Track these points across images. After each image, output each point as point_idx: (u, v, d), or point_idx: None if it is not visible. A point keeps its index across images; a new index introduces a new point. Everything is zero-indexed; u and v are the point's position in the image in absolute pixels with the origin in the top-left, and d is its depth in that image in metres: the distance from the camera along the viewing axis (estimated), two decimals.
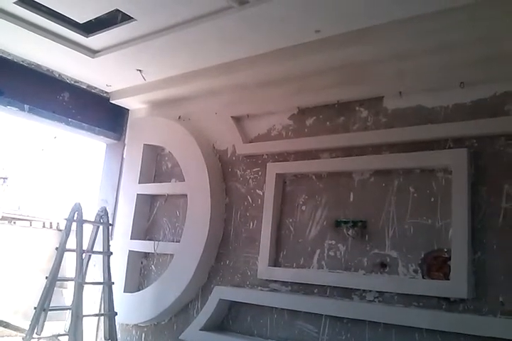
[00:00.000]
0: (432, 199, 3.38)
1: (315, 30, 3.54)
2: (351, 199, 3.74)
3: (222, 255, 4.35)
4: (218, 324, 4.19)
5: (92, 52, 4.33)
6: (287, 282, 3.88)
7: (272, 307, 3.88)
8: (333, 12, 3.31)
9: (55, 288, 4.29)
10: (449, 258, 3.19)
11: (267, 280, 3.99)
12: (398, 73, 3.60)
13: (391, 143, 3.59)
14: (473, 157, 3.23)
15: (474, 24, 3.12)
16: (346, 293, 3.57)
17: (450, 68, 3.39)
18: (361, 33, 3.48)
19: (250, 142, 4.42)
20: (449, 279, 3.16)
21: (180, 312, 4.45)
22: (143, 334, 4.68)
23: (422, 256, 3.33)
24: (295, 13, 3.35)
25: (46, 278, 4.19)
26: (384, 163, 3.60)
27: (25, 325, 4.33)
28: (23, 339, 4.02)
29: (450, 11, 3.10)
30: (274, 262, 4.00)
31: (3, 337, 5.30)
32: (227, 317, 4.20)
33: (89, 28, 3.94)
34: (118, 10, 3.57)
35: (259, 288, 4.02)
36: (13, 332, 5.02)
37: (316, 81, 3.99)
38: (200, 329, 4.11)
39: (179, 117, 4.95)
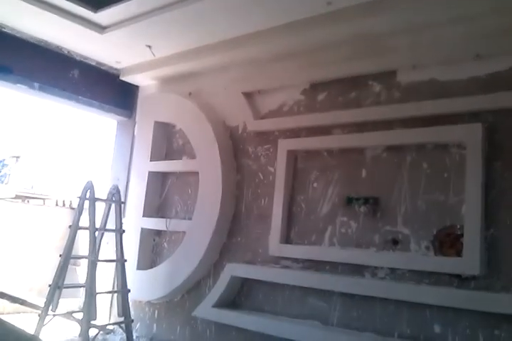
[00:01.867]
0: (445, 175, 3.31)
1: (326, 2, 3.44)
2: (363, 175, 3.69)
3: (233, 232, 4.34)
4: (230, 301, 4.21)
5: (101, 28, 4.28)
6: (299, 259, 3.87)
7: (284, 284, 3.88)
8: None
9: (69, 266, 4.33)
10: (462, 235, 3.14)
11: (278, 257, 3.98)
12: (411, 46, 3.51)
13: (404, 118, 3.51)
14: (488, 132, 3.15)
15: None
16: (358, 269, 3.55)
17: (465, 40, 3.30)
18: (373, 4, 3.39)
19: (261, 118, 4.37)
20: (461, 256, 3.12)
21: (193, 289, 4.48)
22: (156, 311, 4.72)
23: (435, 232, 3.29)
24: None
25: (60, 256, 4.24)
26: (396, 139, 3.53)
27: (41, 302, 4.39)
28: (38, 315, 4.09)
29: None
30: (286, 239, 3.99)
31: (19, 313, 5.40)
32: (239, 294, 4.21)
33: (98, 3, 3.90)
34: None
35: (271, 265, 4.02)
36: (29, 309, 5.09)
37: (327, 55, 3.90)
38: (213, 306, 4.14)
39: (190, 93, 4.90)
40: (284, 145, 4.11)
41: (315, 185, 3.95)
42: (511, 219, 3.01)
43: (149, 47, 4.53)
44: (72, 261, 4.45)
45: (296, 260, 3.89)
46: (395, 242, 3.44)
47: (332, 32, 3.68)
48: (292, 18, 3.74)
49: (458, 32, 3.32)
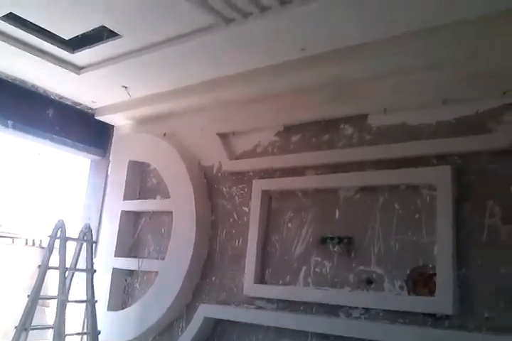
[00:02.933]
0: (417, 216, 3.40)
1: (301, 48, 3.58)
2: (337, 215, 3.75)
3: (207, 272, 4.31)
4: None
5: (78, 69, 4.31)
6: (273, 299, 3.85)
7: (258, 325, 3.85)
8: (317, 31, 3.35)
9: (37, 307, 4.20)
10: (435, 274, 3.20)
11: (252, 297, 3.96)
12: (383, 91, 3.65)
13: (376, 160, 3.61)
14: (457, 174, 3.27)
15: (459, 43, 3.20)
16: (332, 309, 3.55)
17: (433, 86, 3.45)
18: (346, 51, 3.52)
19: (236, 159, 4.43)
20: (434, 295, 3.16)
21: (165, 331, 4.39)
22: None
23: (408, 272, 3.34)
24: (280, 32, 3.39)
25: (28, 296, 4.11)
26: (369, 180, 3.62)
27: None
28: None
29: (435, 30, 3.16)
30: (260, 279, 3.98)
31: None
32: (212, 335, 4.14)
33: (75, 44, 3.93)
34: (104, 26, 3.58)
35: (245, 305, 3.99)
36: None
37: (301, 98, 4.02)
38: None
39: (165, 134, 4.94)
40: (259, 186, 4.15)
41: (289, 225, 3.99)
42: (482, 258, 3.09)
43: (126, 87, 4.58)
44: (40, 301, 4.32)
45: (270, 300, 3.87)
46: (369, 282, 3.48)
47: (306, 76, 3.80)
48: (267, 62, 3.85)
49: (426, 78, 3.47)
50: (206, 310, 4.11)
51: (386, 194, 3.56)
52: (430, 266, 3.26)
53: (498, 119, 3.22)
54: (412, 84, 3.53)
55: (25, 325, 4.00)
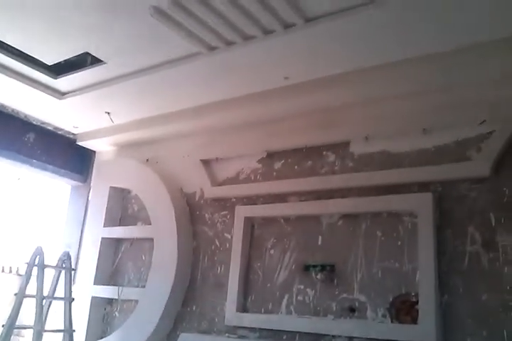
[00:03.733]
0: (399, 243, 3.41)
1: (284, 76, 3.63)
2: (319, 242, 3.75)
3: (188, 300, 4.25)
4: None
5: (60, 94, 4.31)
6: (256, 328, 3.80)
7: None
8: (300, 60, 3.42)
9: (12, 336, 4.09)
10: (417, 302, 3.19)
11: (234, 326, 3.90)
12: (364, 119, 3.71)
13: (358, 187, 3.64)
14: (438, 201, 3.30)
15: (437, 73, 3.28)
16: (315, 338, 3.51)
17: (413, 114, 3.51)
18: (327, 80, 3.59)
19: (219, 185, 4.42)
20: (417, 323, 3.15)
21: None
22: None
23: (391, 300, 3.33)
24: (264, 61, 3.45)
25: (3, 326, 4.00)
26: (351, 207, 3.63)
27: None
28: None
29: (414, 60, 3.25)
30: (242, 307, 3.93)
31: None
32: None
33: (58, 69, 3.94)
34: (88, 53, 3.61)
35: (227, 334, 3.92)
36: None
37: (284, 125, 4.06)
38: None
39: (147, 160, 4.93)
40: (241, 212, 4.14)
41: (272, 252, 3.97)
42: (464, 285, 3.10)
43: (108, 113, 4.57)
44: (16, 331, 4.22)
45: (253, 329, 3.81)
46: (352, 310, 3.45)
47: (289, 104, 3.86)
48: (251, 90, 3.90)
49: (406, 106, 3.53)
50: (187, 340, 4.03)
51: (368, 221, 3.57)
52: (413, 293, 3.25)
53: (477, 147, 3.28)
54: (393, 112, 3.59)
55: None
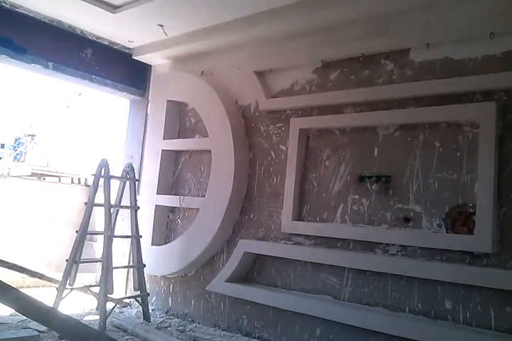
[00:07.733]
0: (458, 154, 3.33)
1: None
2: (375, 154, 3.72)
3: (246, 209, 4.41)
4: (243, 276, 4.30)
5: (113, 8, 4.28)
6: (311, 236, 3.93)
7: (296, 260, 3.96)
8: None
9: (86, 242, 4.42)
10: (474, 213, 3.18)
11: (290, 233, 4.05)
12: (425, 24, 3.50)
13: (417, 97, 3.51)
14: (502, 110, 3.15)
15: None
16: (369, 246, 3.61)
17: (479, 18, 3.27)
18: None
19: (273, 97, 4.38)
20: (473, 234, 3.16)
21: (207, 265, 4.57)
22: (171, 285, 4.84)
23: (447, 210, 3.33)
24: None
25: (76, 232, 4.32)
26: (409, 117, 3.54)
27: (59, 276, 4.50)
28: (57, 289, 4.20)
29: None
30: (298, 216, 4.05)
31: (38, 287, 5.55)
32: (252, 269, 4.30)
33: None
34: None
35: (283, 241, 4.09)
36: (48, 283, 5.22)
37: (340, 33, 3.90)
38: (226, 281, 4.24)
39: (202, 72, 4.91)
40: (296, 124, 4.13)
41: (327, 163, 3.98)
42: None
43: (161, 26, 4.53)
44: (88, 236, 4.54)
45: (308, 237, 3.95)
46: (407, 220, 3.49)
47: (345, 10, 3.67)
48: None
49: (472, 10, 3.29)
50: (246, 245, 4.24)
51: (427, 132, 3.49)
52: (470, 204, 3.23)
53: None
54: (456, 16, 3.36)
55: (75, 259, 4.24)
